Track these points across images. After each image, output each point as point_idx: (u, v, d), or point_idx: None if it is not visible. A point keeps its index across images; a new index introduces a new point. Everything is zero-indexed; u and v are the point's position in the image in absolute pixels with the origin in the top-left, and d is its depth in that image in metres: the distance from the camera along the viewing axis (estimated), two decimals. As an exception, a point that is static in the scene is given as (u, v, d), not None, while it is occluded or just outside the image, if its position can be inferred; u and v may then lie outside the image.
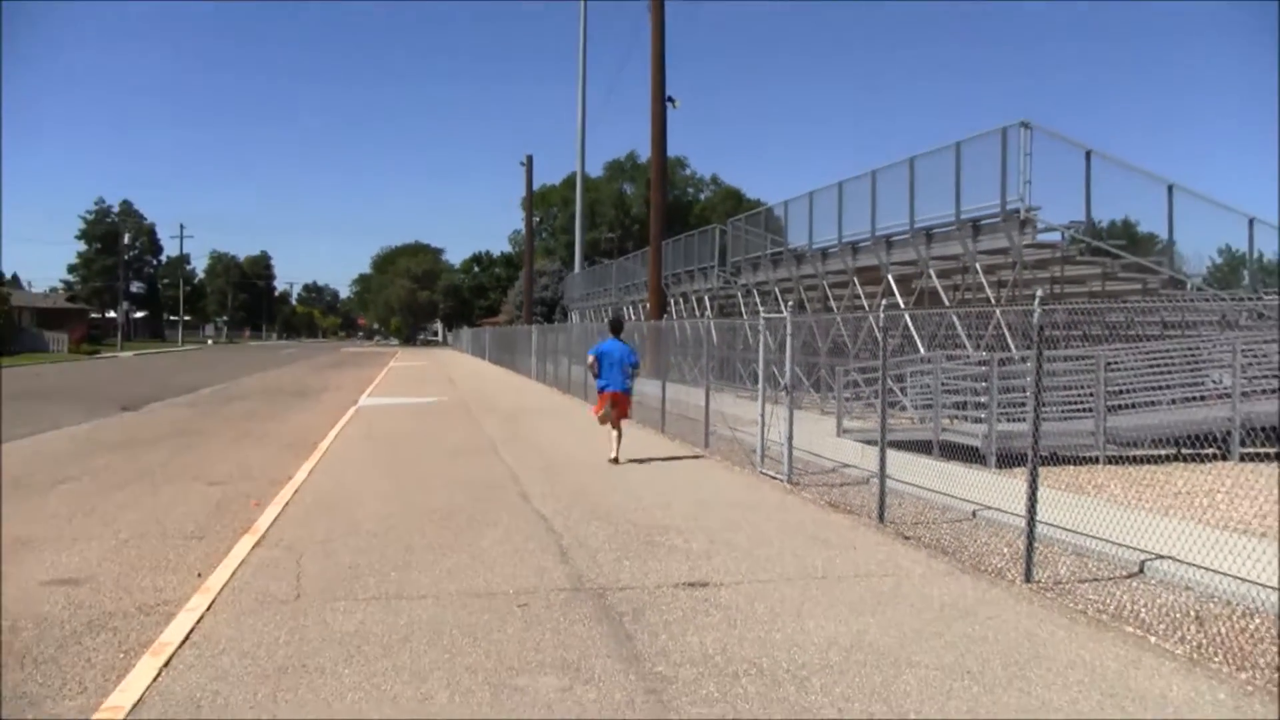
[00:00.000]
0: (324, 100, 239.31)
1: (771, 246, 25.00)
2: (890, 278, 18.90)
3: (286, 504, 9.41)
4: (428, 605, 5.94)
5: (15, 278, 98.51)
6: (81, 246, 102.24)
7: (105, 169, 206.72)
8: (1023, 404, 12.12)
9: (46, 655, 5.07)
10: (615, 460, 12.17)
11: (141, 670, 4.77)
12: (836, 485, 10.64)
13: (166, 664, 4.85)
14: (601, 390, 12.68)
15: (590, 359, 13.01)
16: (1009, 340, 15.08)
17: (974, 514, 8.73)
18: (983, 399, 12.66)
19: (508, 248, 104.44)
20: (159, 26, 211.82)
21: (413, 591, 6.27)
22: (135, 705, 4.34)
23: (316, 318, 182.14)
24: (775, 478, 11.02)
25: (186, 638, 5.27)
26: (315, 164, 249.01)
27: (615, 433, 12.47)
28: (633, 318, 35.56)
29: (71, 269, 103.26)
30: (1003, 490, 8.60)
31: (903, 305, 18.17)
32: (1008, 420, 12.28)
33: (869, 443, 11.47)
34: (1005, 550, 7.45)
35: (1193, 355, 13.11)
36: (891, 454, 9.20)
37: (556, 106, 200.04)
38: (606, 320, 20.29)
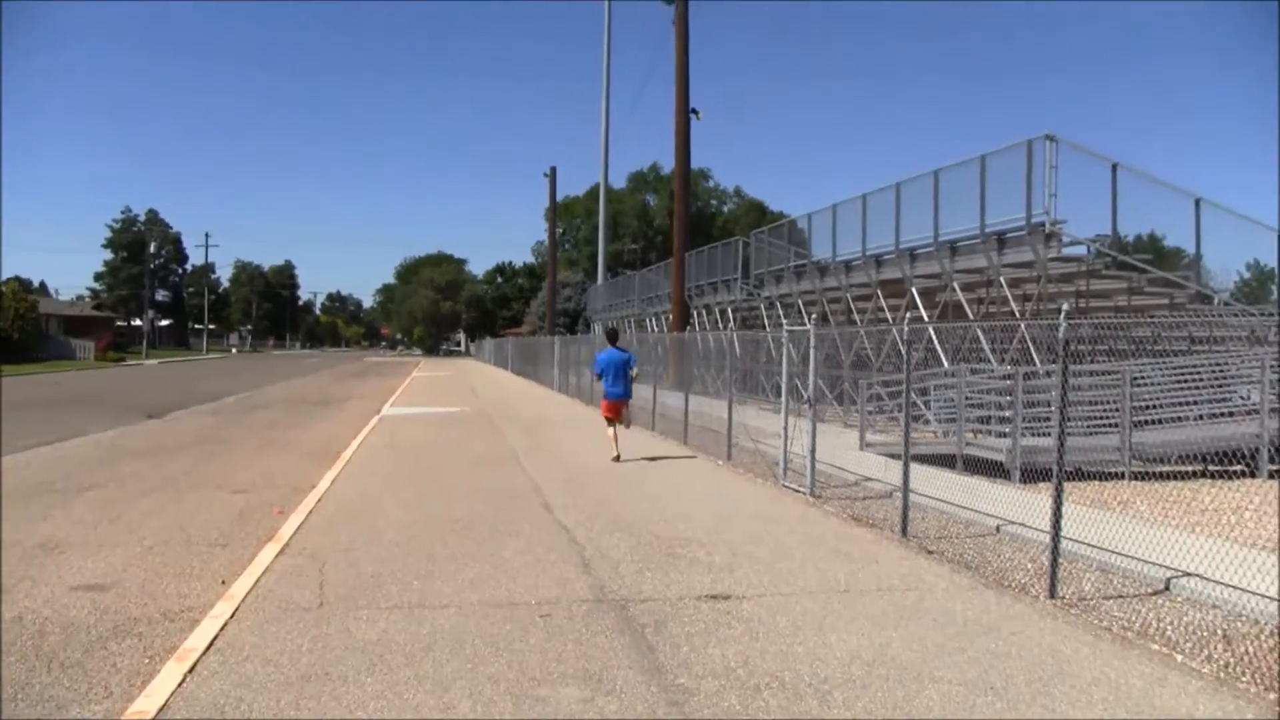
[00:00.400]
0: (349, 110, 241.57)
1: (795, 259, 24.97)
2: (914, 290, 18.83)
3: (309, 512, 9.48)
4: (450, 615, 5.96)
5: (43, 285, 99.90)
6: (108, 255, 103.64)
7: (132, 178, 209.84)
8: (1047, 419, 12.01)
9: (73, 659, 5.13)
10: (617, 459, 13.45)
11: (166, 676, 4.82)
12: (859, 499, 10.59)
13: (191, 670, 4.90)
14: (607, 397, 14.14)
15: (595, 374, 14.51)
16: (1034, 354, 14.96)
17: (998, 529, 8.67)
18: (1007, 413, 12.56)
19: (531, 259, 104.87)
20: (185, 33, 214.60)
21: (435, 601, 6.29)
22: (160, 710, 4.39)
23: (340, 327, 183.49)
24: (798, 490, 10.99)
25: (211, 644, 5.32)
26: (340, 174, 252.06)
27: (617, 431, 13.92)
28: (655, 329, 35.60)
29: (98, 277, 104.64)
30: (1027, 505, 8.54)
31: (926, 318, 18.09)
32: (1032, 435, 12.18)
33: (892, 456, 11.40)
34: (1029, 566, 7.40)
35: (1220, 371, 12.97)
36: (915, 468, 9.15)
37: (580, 118, 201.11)
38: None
